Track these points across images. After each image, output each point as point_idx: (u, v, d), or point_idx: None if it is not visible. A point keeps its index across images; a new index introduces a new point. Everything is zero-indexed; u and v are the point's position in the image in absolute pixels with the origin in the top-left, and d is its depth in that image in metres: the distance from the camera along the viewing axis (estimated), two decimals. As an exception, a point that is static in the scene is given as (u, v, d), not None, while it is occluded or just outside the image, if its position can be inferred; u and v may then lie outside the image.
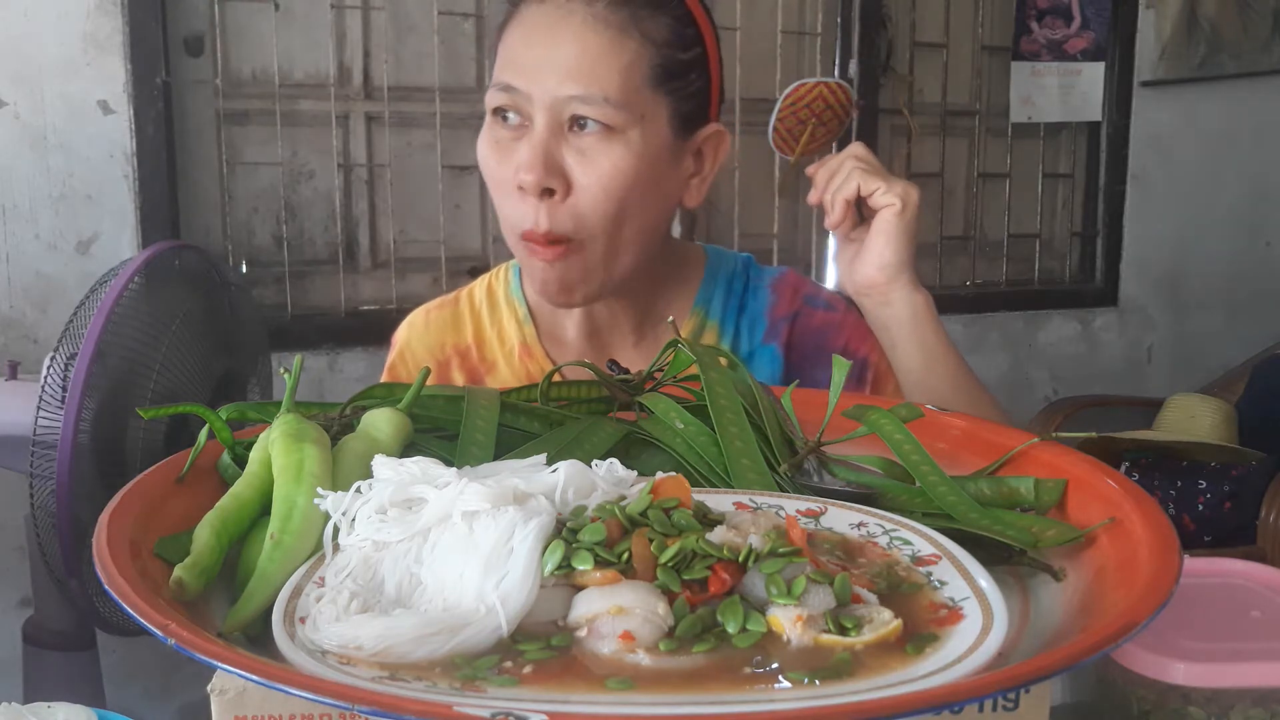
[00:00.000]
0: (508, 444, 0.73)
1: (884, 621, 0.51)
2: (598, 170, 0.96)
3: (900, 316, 1.04)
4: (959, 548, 0.59)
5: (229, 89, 2.43)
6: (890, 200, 1.01)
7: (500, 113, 0.98)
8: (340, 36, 2.52)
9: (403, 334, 1.17)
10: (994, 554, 0.62)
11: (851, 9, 2.93)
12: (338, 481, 0.63)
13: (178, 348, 1.65)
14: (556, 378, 0.81)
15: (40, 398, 1.56)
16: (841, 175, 1.04)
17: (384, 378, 1.15)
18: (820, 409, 0.76)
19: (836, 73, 2.95)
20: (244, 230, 2.50)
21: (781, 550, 0.53)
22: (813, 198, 1.08)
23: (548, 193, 0.95)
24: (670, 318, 0.89)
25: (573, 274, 0.99)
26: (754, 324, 1.12)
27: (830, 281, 3.28)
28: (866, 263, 1.03)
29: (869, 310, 1.06)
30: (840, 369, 0.76)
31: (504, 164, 0.97)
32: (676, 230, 1.16)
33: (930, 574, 0.57)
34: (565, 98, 0.95)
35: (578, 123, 0.96)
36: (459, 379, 1.12)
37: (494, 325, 1.13)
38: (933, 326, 1.04)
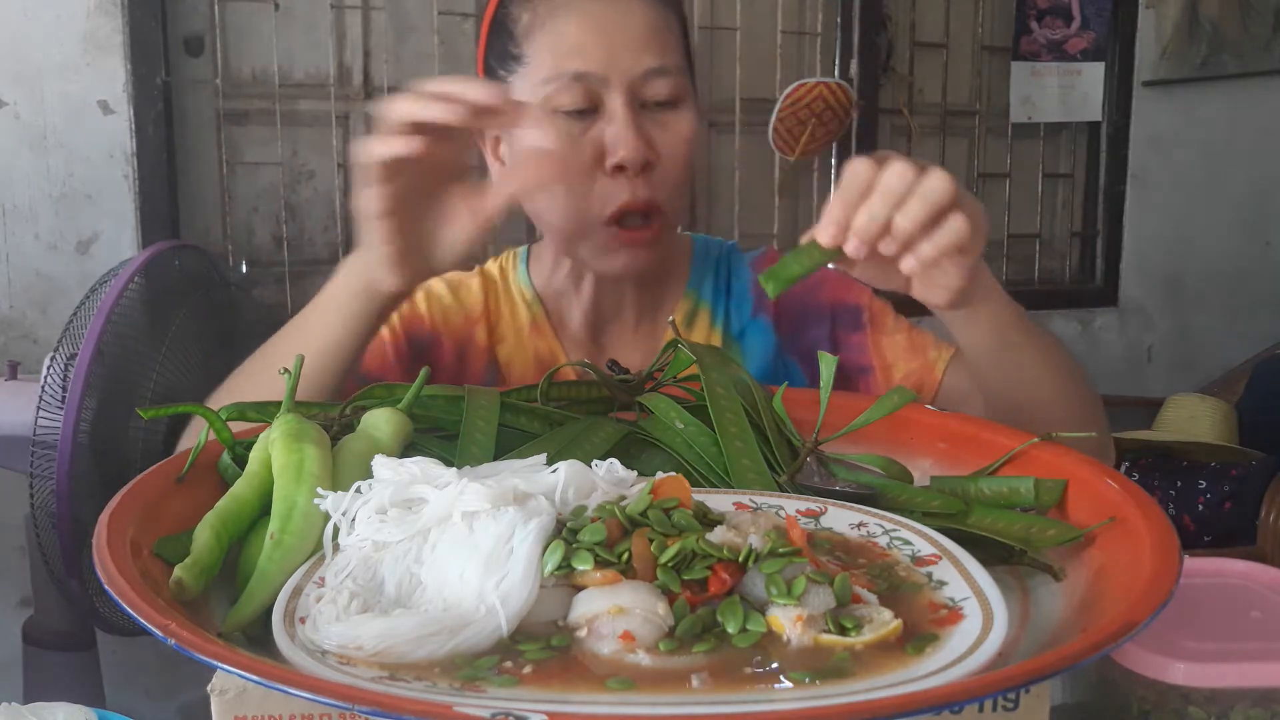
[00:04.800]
0: (508, 444, 0.73)
1: (884, 621, 0.51)
2: (677, 138, 1.00)
3: (971, 344, 0.88)
4: (959, 548, 0.59)
5: (229, 89, 2.43)
6: (940, 295, 0.79)
7: (561, 109, 0.98)
8: (340, 36, 2.52)
9: (433, 284, 1.12)
10: (994, 554, 0.62)
11: (851, 9, 2.93)
12: (338, 481, 0.63)
13: (178, 347, 1.65)
14: (557, 377, 0.81)
15: (40, 398, 1.56)
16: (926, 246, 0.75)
17: (402, 308, 1.08)
18: (810, 407, 0.76)
19: (836, 73, 2.94)
20: (244, 230, 2.50)
21: (781, 550, 0.53)
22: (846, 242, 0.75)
23: (646, 166, 0.98)
24: (671, 317, 0.89)
25: (656, 249, 1.03)
26: (741, 302, 1.14)
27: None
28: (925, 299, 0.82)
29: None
30: (828, 365, 0.76)
31: (576, 146, 0.98)
32: None
33: (930, 574, 0.57)
34: (643, 72, 0.97)
35: (652, 100, 0.98)
36: (481, 336, 1.10)
37: (507, 303, 1.14)
38: (1014, 349, 0.86)
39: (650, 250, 1.02)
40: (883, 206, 0.73)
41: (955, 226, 0.74)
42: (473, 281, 1.15)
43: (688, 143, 1.00)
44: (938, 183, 0.74)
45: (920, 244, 0.74)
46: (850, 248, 0.74)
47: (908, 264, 0.75)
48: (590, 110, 0.97)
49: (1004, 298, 0.85)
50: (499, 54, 1.03)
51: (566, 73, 0.97)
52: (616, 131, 0.96)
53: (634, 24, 0.97)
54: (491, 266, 1.17)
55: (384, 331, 1.07)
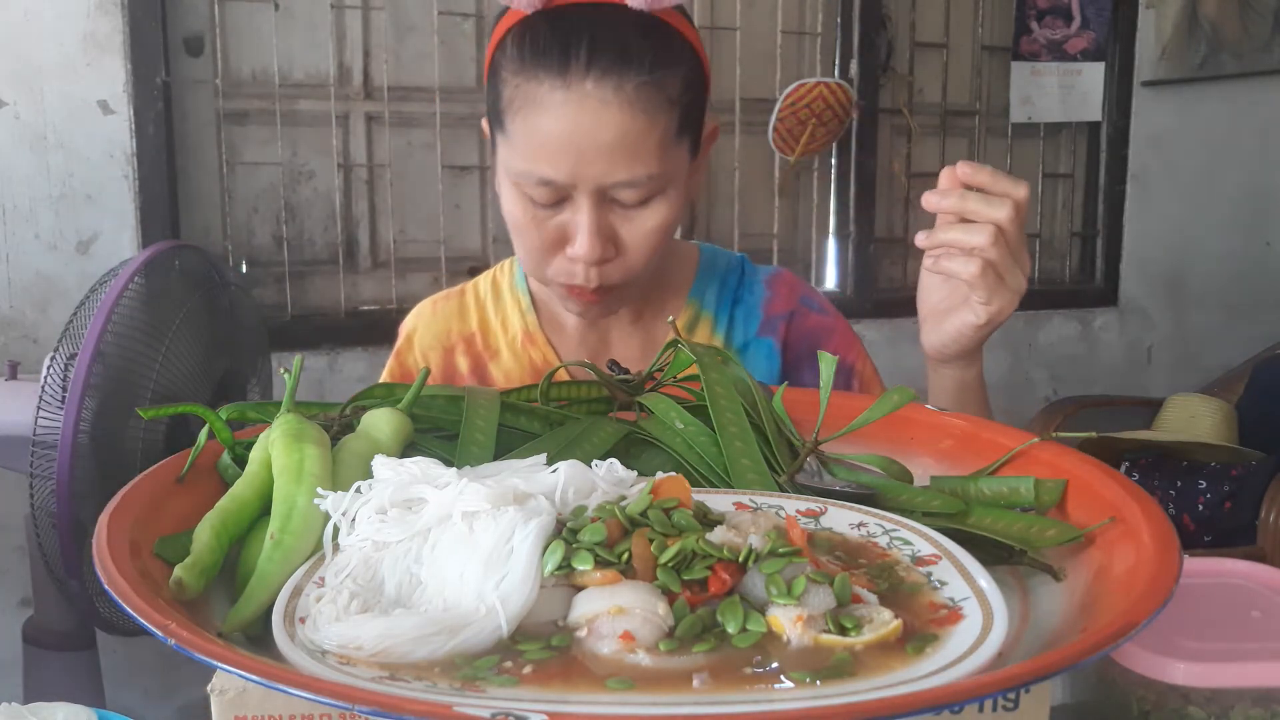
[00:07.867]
0: (508, 444, 0.73)
1: (884, 621, 0.51)
2: (645, 230, 0.98)
3: (942, 384, 0.99)
4: (959, 548, 0.59)
5: (229, 89, 2.43)
6: (976, 315, 0.91)
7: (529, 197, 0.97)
8: (340, 36, 2.52)
9: (410, 322, 1.20)
10: (994, 554, 0.62)
11: (851, 9, 2.93)
12: (338, 481, 0.63)
13: (178, 348, 1.65)
14: (557, 377, 0.81)
15: (40, 398, 1.56)
16: (965, 244, 0.91)
17: (389, 363, 1.18)
18: (810, 408, 0.76)
19: (836, 73, 2.94)
20: (244, 230, 2.50)
21: (781, 550, 0.53)
22: (925, 243, 0.94)
23: (603, 260, 0.98)
24: (670, 317, 0.89)
25: (612, 304, 1.05)
26: (749, 316, 1.14)
27: (830, 282, 3.25)
28: (929, 333, 0.97)
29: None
30: (828, 365, 0.77)
31: (541, 228, 0.98)
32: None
33: (930, 574, 0.57)
34: (612, 184, 0.94)
35: (622, 198, 0.96)
36: (464, 364, 1.15)
37: (498, 314, 1.16)
38: (973, 397, 0.99)
39: (603, 309, 1.05)
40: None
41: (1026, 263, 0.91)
42: (466, 300, 1.18)
43: (655, 235, 0.98)
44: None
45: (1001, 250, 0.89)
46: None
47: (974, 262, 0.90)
48: (559, 201, 0.96)
49: (979, 367, 0.99)
50: (491, 101, 1.00)
51: (534, 175, 0.94)
52: (577, 230, 0.96)
53: (606, 136, 0.92)
54: (483, 282, 1.19)
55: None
